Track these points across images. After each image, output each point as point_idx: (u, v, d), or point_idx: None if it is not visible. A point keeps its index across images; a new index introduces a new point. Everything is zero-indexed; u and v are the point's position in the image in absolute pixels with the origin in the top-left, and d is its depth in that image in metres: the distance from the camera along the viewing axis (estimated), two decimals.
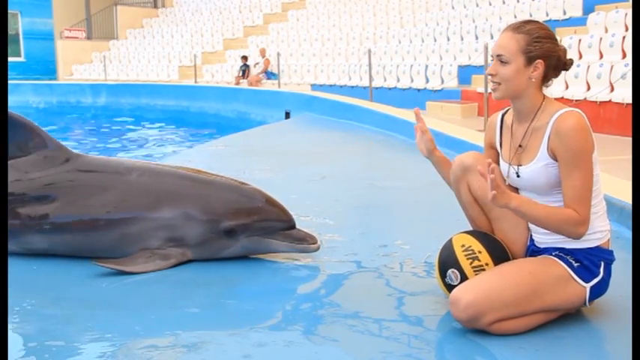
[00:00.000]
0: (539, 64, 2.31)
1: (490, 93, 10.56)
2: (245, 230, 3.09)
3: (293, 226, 3.15)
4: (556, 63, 2.34)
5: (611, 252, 2.38)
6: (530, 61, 2.30)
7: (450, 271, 2.41)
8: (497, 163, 2.51)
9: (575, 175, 2.24)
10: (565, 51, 2.37)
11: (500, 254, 2.38)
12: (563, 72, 2.39)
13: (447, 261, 2.43)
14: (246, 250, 3.16)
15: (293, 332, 2.38)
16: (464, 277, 2.37)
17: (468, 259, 2.37)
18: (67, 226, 3.19)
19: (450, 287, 2.40)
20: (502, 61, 2.31)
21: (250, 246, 3.14)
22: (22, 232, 3.19)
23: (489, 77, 2.37)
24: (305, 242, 3.10)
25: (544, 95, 2.37)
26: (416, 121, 2.59)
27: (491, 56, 2.38)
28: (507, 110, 2.54)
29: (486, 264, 2.35)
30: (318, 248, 3.13)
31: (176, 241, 3.10)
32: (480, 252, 2.37)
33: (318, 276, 2.99)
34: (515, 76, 2.30)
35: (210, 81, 20.42)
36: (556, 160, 2.29)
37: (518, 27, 2.33)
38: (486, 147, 2.60)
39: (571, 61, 2.38)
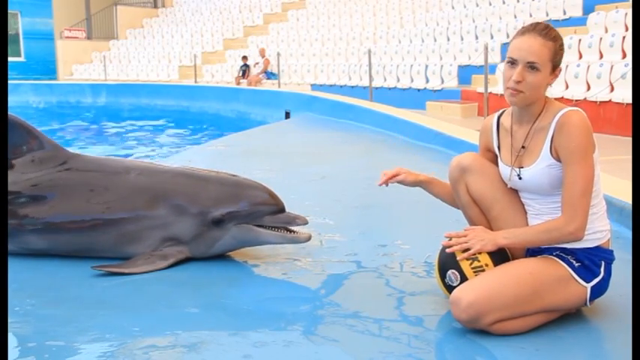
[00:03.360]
0: (558, 70, 2.31)
1: (490, 93, 10.44)
2: (233, 218, 3.08)
3: (282, 210, 3.13)
4: None
5: (612, 252, 2.38)
6: (554, 69, 2.29)
7: (449, 272, 2.40)
8: (496, 164, 2.51)
9: (575, 172, 2.24)
10: None
11: (500, 255, 2.38)
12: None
13: (447, 262, 2.42)
14: (237, 241, 3.15)
15: (293, 332, 2.38)
16: (464, 278, 2.36)
17: (467, 259, 2.37)
18: (64, 225, 3.19)
19: (449, 288, 2.40)
20: (532, 68, 2.23)
21: (240, 235, 3.11)
22: (20, 232, 3.19)
23: (513, 83, 2.24)
24: (294, 224, 3.08)
25: (546, 96, 2.37)
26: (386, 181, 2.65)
27: (511, 58, 2.26)
28: (503, 112, 2.53)
29: (486, 265, 2.35)
30: (309, 238, 3.10)
31: (171, 237, 3.11)
32: (479, 253, 2.37)
33: (318, 276, 2.99)
34: (542, 84, 2.27)
35: (210, 81, 20.44)
36: (559, 161, 2.28)
37: (546, 32, 2.26)
38: (482, 150, 2.59)
39: None
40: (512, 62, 2.27)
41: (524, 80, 2.24)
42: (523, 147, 2.38)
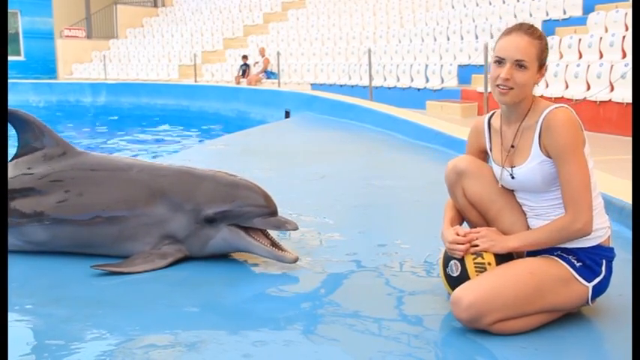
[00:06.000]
0: (544, 69, 2.34)
1: (490, 93, 10.50)
2: (224, 216, 3.07)
3: (273, 213, 3.11)
4: None
5: (612, 249, 2.38)
6: (540, 67, 2.32)
7: (452, 262, 2.43)
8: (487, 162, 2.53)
9: (570, 169, 2.25)
10: None
11: (504, 255, 2.38)
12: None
13: None
14: (227, 244, 3.12)
15: (293, 332, 2.38)
16: (464, 271, 2.38)
17: (472, 254, 2.38)
18: (67, 220, 3.21)
19: (449, 278, 2.43)
20: (520, 66, 2.26)
21: (230, 239, 3.09)
22: (22, 225, 3.22)
23: (501, 81, 2.28)
24: (284, 228, 3.07)
25: (533, 95, 2.39)
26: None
27: (498, 57, 2.29)
28: (493, 114, 2.54)
29: (489, 263, 2.36)
30: (295, 260, 3.03)
31: (167, 235, 3.13)
32: (485, 251, 2.38)
33: (317, 275, 2.99)
34: (530, 82, 2.30)
35: (210, 80, 20.42)
36: (550, 157, 2.29)
37: (532, 32, 2.30)
38: (473, 151, 2.59)
39: None
40: (500, 61, 2.30)
41: (512, 78, 2.27)
42: (512, 146, 2.39)
